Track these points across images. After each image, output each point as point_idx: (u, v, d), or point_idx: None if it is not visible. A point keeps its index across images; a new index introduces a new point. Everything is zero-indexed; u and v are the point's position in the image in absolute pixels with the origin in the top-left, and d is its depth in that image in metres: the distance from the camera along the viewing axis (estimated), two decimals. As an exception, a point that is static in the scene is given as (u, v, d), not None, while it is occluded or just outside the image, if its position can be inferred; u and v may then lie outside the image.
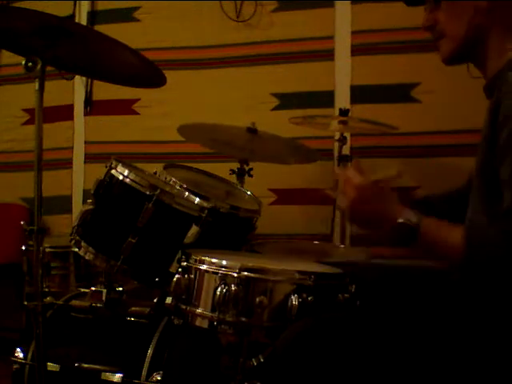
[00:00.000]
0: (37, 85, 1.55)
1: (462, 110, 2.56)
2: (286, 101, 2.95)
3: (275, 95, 2.97)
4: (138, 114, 3.19)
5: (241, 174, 2.38)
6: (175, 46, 3.12)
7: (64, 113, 3.28)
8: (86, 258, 1.71)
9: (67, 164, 3.31)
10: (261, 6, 2.96)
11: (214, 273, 1.39)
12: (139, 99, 3.17)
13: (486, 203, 1.22)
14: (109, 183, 1.71)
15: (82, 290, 1.92)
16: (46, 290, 2.06)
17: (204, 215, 1.66)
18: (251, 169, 2.41)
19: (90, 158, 3.26)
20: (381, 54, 2.80)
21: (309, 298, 1.34)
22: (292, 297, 1.33)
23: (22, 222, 1.74)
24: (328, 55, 2.88)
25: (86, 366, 1.68)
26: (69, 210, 3.27)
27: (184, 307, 1.43)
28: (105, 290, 1.79)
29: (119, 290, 1.82)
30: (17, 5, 3.03)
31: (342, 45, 2.86)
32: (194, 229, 1.65)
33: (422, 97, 2.75)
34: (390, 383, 1.17)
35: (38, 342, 1.58)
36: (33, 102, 1.57)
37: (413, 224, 1.18)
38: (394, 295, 1.46)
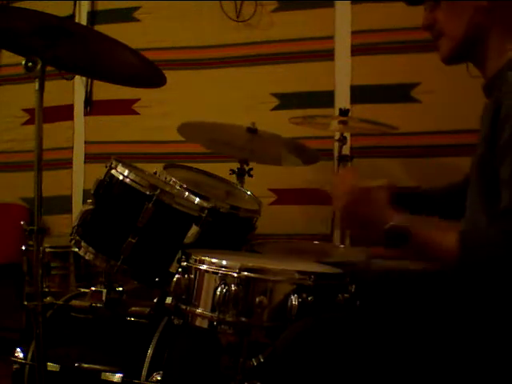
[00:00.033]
0: (37, 85, 1.55)
1: (461, 110, 2.56)
2: (286, 101, 2.95)
3: (275, 95, 2.97)
4: (138, 114, 3.19)
5: (241, 174, 2.38)
6: (175, 46, 3.12)
7: (64, 113, 3.28)
8: (86, 258, 1.71)
9: (67, 164, 3.31)
10: (261, 6, 2.96)
11: (213, 273, 1.39)
12: (139, 99, 3.17)
13: (486, 203, 1.22)
14: (109, 183, 1.71)
15: (82, 290, 1.92)
16: (46, 289, 2.06)
17: (204, 215, 1.67)
18: (251, 169, 2.41)
19: (89, 158, 3.26)
20: (381, 54, 2.80)
21: (309, 298, 1.34)
22: (292, 297, 1.33)
23: (22, 222, 1.74)
24: (328, 55, 2.88)
25: (86, 365, 1.68)
26: (69, 210, 3.27)
27: (184, 307, 1.43)
28: (105, 290, 1.79)
29: (119, 290, 1.82)
30: (17, 5, 3.03)
31: (342, 45, 2.86)
32: (194, 229, 1.65)
33: (422, 97, 2.75)
34: (390, 383, 1.17)
35: (37, 342, 1.57)
36: (33, 102, 1.57)
37: (403, 228, 1.18)
38: (394, 295, 1.46)
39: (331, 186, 1.34)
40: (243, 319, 1.35)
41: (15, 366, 1.74)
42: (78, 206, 3.18)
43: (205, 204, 1.69)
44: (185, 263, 1.46)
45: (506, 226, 1.10)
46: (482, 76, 1.35)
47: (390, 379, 1.16)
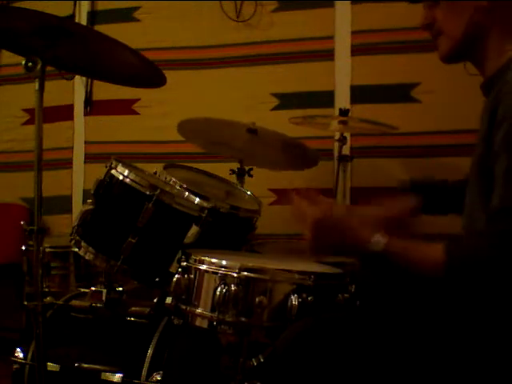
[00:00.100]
0: (37, 85, 1.55)
1: (461, 110, 2.56)
2: (286, 101, 2.95)
3: (275, 95, 2.97)
4: (138, 114, 3.19)
5: (241, 174, 2.38)
6: (175, 46, 3.12)
7: (64, 113, 3.28)
8: (86, 258, 1.71)
9: (67, 164, 3.30)
10: (261, 6, 2.96)
11: (213, 273, 1.39)
12: (139, 99, 3.17)
13: (485, 202, 1.22)
14: (109, 183, 1.71)
15: (82, 290, 1.92)
16: (46, 289, 2.06)
17: (204, 215, 1.67)
18: (251, 169, 2.41)
19: (89, 158, 3.26)
20: (381, 54, 2.80)
21: (309, 298, 1.34)
22: (292, 297, 1.33)
23: (22, 222, 1.74)
24: (328, 55, 2.88)
25: (85, 365, 1.68)
26: (69, 210, 3.26)
27: (184, 307, 1.43)
28: (105, 290, 1.79)
29: (119, 290, 1.82)
30: (17, 5, 3.03)
31: (342, 45, 2.86)
32: (194, 229, 1.65)
33: (422, 97, 2.75)
34: (390, 383, 1.17)
35: (38, 342, 1.57)
36: (33, 102, 1.57)
37: (380, 251, 1.18)
38: (394, 295, 1.46)
39: (295, 215, 1.32)
40: (243, 319, 1.35)
41: (15, 366, 1.74)
42: (78, 206, 3.18)
43: (205, 204, 1.69)
44: (185, 263, 1.46)
45: (495, 226, 1.10)
46: (480, 74, 1.35)
47: (389, 379, 1.17)
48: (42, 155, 1.58)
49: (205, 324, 1.39)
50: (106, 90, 3.17)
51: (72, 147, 3.30)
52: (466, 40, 1.31)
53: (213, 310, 1.37)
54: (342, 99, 2.82)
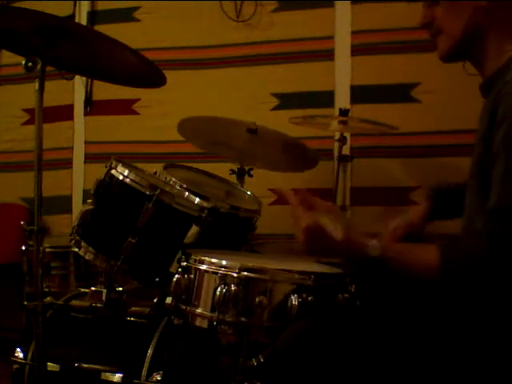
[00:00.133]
0: (37, 85, 1.55)
1: (461, 110, 2.56)
2: (286, 101, 2.95)
3: (275, 95, 2.97)
4: (138, 114, 3.19)
5: (241, 174, 2.38)
6: (175, 46, 3.12)
7: (64, 113, 3.28)
8: (86, 258, 1.71)
9: (67, 164, 3.30)
10: (261, 6, 2.96)
11: (213, 273, 1.39)
12: (139, 99, 3.17)
13: (484, 202, 1.22)
14: (109, 183, 1.71)
15: (82, 290, 1.92)
16: (46, 289, 2.06)
17: (204, 215, 1.67)
18: (251, 169, 2.41)
19: (89, 158, 3.26)
20: (381, 54, 2.80)
21: (309, 298, 1.33)
22: (292, 297, 1.33)
23: (22, 222, 1.74)
24: (328, 55, 2.88)
25: (85, 366, 1.68)
26: (69, 210, 3.26)
27: (184, 307, 1.43)
28: (105, 290, 1.79)
29: (119, 290, 1.82)
30: (17, 5, 3.03)
31: (342, 45, 2.86)
32: (194, 229, 1.65)
33: (422, 97, 2.75)
34: (390, 383, 1.17)
35: (38, 342, 1.58)
36: (33, 102, 1.57)
37: (377, 256, 1.19)
38: (394, 295, 1.46)
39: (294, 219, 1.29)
40: (243, 319, 1.35)
41: (15, 366, 1.74)
42: (78, 206, 3.18)
43: (205, 204, 1.69)
44: (185, 263, 1.46)
45: (492, 226, 1.10)
46: (479, 74, 1.35)
47: (389, 379, 1.16)
48: (42, 155, 1.58)
49: (205, 324, 1.39)
50: (106, 90, 3.17)
51: (72, 147, 3.30)
52: (466, 39, 1.31)
53: (213, 310, 1.36)
54: (342, 99, 2.82)
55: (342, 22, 2.86)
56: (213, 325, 1.37)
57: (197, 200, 1.72)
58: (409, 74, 2.76)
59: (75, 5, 3.23)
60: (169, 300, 1.46)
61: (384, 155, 2.80)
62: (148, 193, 1.64)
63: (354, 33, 2.85)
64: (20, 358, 1.74)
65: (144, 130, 3.16)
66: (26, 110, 3.32)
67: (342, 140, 2.50)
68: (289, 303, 1.33)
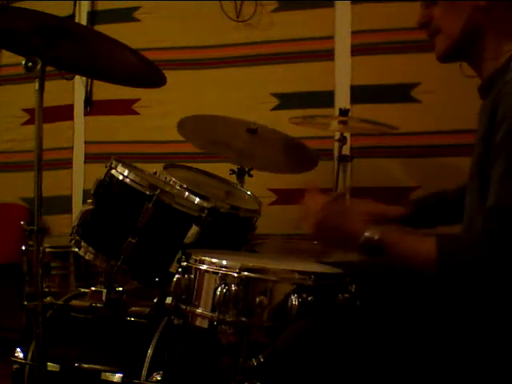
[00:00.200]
0: (37, 85, 1.55)
1: (461, 110, 2.56)
2: (286, 101, 2.95)
3: (275, 95, 2.97)
4: (138, 114, 3.19)
5: (241, 174, 2.38)
6: (175, 46, 3.12)
7: (64, 113, 3.28)
8: (86, 258, 1.71)
9: (67, 164, 3.30)
10: (261, 6, 2.96)
11: (214, 273, 1.39)
12: (139, 99, 3.17)
13: (484, 202, 1.22)
14: (109, 183, 1.72)
15: (82, 290, 1.92)
16: (46, 289, 2.06)
17: (204, 215, 1.67)
18: (251, 169, 2.41)
19: (89, 158, 3.26)
20: (381, 54, 2.80)
21: (309, 298, 1.33)
22: (292, 297, 1.33)
23: (22, 222, 1.74)
24: (328, 55, 2.88)
25: (85, 366, 1.68)
26: (69, 210, 3.26)
27: (184, 307, 1.43)
28: (105, 290, 1.79)
29: (119, 290, 1.82)
30: (17, 5, 3.03)
31: (342, 45, 2.86)
32: (194, 229, 1.65)
33: (422, 97, 2.75)
34: (390, 383, 1.17)
35: (38, 342, 1.58)
36: (33, 102, 1.57)
37: (377, 240, 1.19)
38: (394, 295, 1.46)
39: (303, 207, 1.35)
40: (243, 319, 1.35)
41: (15, 366, 1.74)
42: (78, 206, 3.18)
43: (205, 204, 1.69)
44: (185, 263, 1.46)
45: (490, 225, 1.10)
46: (477, 76, 1.35)
47: (389, 379, 1.16)
48: (42, 155, 1.58)
49: (205, 324, 1.39)
50: (106, 90, 3.17)
51: (72, 147, 3.31)
52: (464, 38, 1.31)
53: (213, 310, 1.36)
54: (342, 99, 2.83)
55: (342, 22, 2.86)
56: (213, 325, 1.37)
57: (197, 200, 1.72)
58: (409, 74, 2.76)
59: (75, 5, 3.23)
60: (169, 300, 1.46)
61: (384, 155, 2.81)
62: (148, 193, 1.64)
63: (353, 33, 2.85)
64: (20, 358, 1.74)
65: (144, 130, 3.16)
66: (25, 110, 3.32)
67: (342, 140, 2.50)
68: (289, 303, 1.33)
